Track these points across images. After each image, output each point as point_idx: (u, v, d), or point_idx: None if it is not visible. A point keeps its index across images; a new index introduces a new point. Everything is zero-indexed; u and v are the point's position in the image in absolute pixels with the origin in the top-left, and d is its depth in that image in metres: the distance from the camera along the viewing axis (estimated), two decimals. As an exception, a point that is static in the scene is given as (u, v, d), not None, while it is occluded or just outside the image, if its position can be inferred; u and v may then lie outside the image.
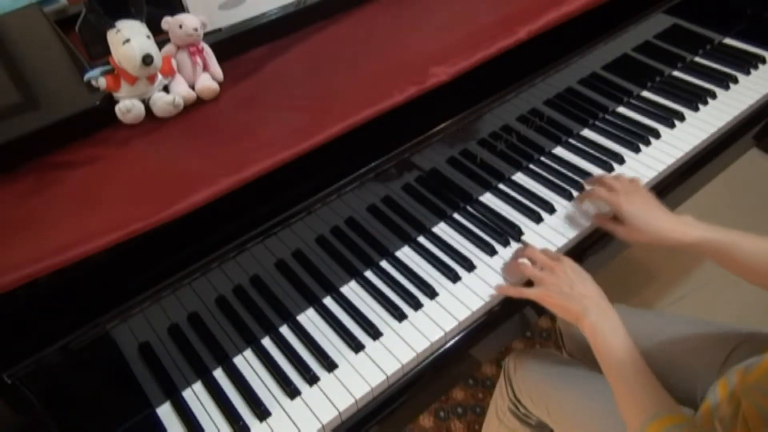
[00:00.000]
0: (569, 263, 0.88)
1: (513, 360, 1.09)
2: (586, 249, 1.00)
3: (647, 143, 1.14)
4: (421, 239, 1.00)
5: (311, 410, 0.80)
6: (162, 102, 0.79)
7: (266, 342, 0.88)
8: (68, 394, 0.74)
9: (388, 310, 0.90)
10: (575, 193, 1.05)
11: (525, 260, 0.92)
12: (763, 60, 1.32)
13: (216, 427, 0.79)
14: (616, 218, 0.93)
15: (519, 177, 1.10)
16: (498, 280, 0.92)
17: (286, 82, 0.86)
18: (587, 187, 1.02)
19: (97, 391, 0.78)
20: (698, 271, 1.77)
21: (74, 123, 0.77)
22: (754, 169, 2.00)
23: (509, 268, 0.94)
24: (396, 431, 1.00)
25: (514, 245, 0.98)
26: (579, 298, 0.83)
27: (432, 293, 0.91)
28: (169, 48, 0.82)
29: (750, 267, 0.80)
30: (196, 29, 0.81)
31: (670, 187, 1.11)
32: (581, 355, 1.13)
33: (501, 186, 1.08)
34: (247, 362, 0.86)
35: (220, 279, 0.80)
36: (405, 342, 0.86)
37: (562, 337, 1.19)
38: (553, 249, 0.96)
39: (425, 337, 0.86)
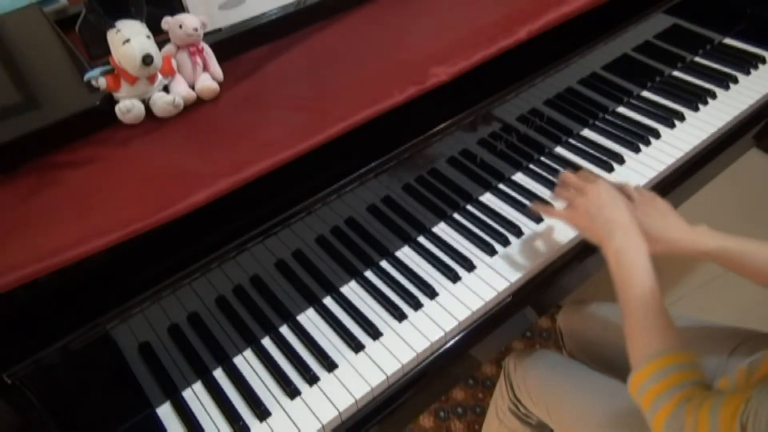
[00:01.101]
0: (604, 186, 0.84)
1: (513, 360, 1.09)
2: (586, 249, 1.00)
3: (647, 143, 1.14)
4: (421, 239, 1.00)
5: (311, 410, 0.80)
6: (162, 102, 0.79)
7: (266, 342, 0.88)
8: (68, 394, 0.74)
9: (388, 310, 0.90)
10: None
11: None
12: (763, 60, 1.32)
13: (216, 427, 0.79)
14: None
15: (519, 177, 1.10)
16: (498, 279, 0.92)
17: (286, 82, 0.87)
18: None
19: (97, 391, 0.78)
20: (698, 271, 1.77)
21: (74, 123, 0.77)
22: (754, 169, 2.00)
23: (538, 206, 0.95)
24: (396, 431, 1.00)
25: (515, 245, 0.98)
26: (606, 222, 0.80)
27: (432, 293, 0.91)
28: (169, 48, 0.82)
29: (764, 274, 0.80)
30: (196, 29, 0.81)
31: (671, 187, 1.11)
32: (581, 355, 1.13)
33: (501, 186, 1.08)
34: (247, 362, 0.86)
35: (220, 279, 0.80)
36: (405, 342, 0.86)
37: (562, 337, 1.19)
38: (553, 249, 0.96)
39: (425, 337, 0.86)
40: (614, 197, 0.83)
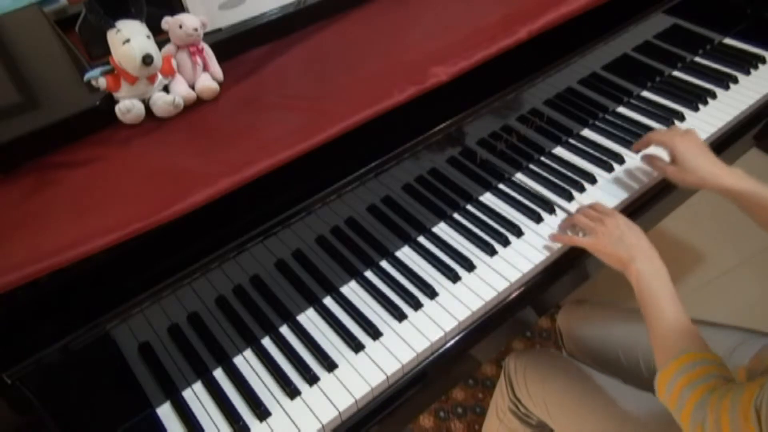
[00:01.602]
0: (621, 217, 0.91)
1: (513, 360, 1.09)
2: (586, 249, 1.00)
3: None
4: (421, 239, 1.00)
5: (311, 410, 0.80)
6: (162, 102, 0.79)
7: (266, 342, 0.88)
8: (68, 394, 0.74)
9: (388, 310, 0.90)
10: (575, 194, 1.05)
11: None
12: (763, 60, 1.32)
13: (216, 427, 0.79)
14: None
15: (519, 177, 1.10)
16: (498, 279, 0.92)
17: (286, 83, 0.87)
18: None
19: (97, 391, 0.78)
20: (698, 271, 1.77)
21: (74, 123, 0.77)
22: (754, 169, 2.00)
23: (562, 225, 0.99)
24: (396, 431, 1.00)
25: (515, 245, 0.98)
26: (628, 248, 0.85)
27: (432, 293, 0.91)
28: (169, 48, 0.82)
29: None
30: (196, 29, 0.81)
31: (671, 186, 1.11)
32: (581, 355, 1.13)
33: (501, 186, 1.08)
34: (247, 362, 0.86)
35: (220, 279, 0.80)
36: (405, 342, 0.86)
37: (561, 337, 1.19)
38: (553, 249, 0.96)
39: (425, 337, 0.86)
40: (632, 227, 0.89)
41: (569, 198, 1.04)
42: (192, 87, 0.83)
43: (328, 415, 0.79)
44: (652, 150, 1.03)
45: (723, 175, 0.88)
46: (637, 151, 1.07)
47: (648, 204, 1.08)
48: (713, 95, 1.24)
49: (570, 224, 0.96)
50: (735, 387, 0.64)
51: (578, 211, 0.96)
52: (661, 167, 0.98)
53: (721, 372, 0.70)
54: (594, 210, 0.94)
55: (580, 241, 0.92)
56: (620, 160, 1.11)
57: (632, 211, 1.05)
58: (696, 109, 1.21)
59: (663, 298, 0.79)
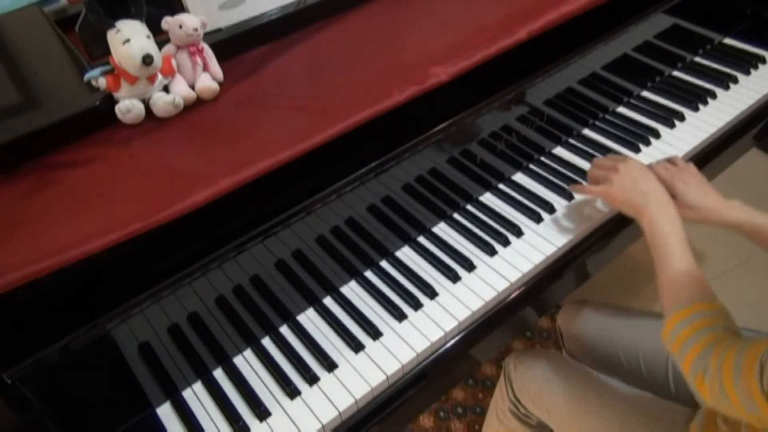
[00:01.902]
0: (634, 163, 0.90)
1: (513, 360, 1.09)
2: (586, 249, 1.00)
3: (647, 143, 1.14)
4: (421, 239, 1.00)
5: (311, 410, 0.80)
6: (162, 102, 0.79)
7: (266, 342, 0.88)
8: (68, 394, 0.74)
9: (388, 310, 0.90)
10: (575, 194, 1.05)
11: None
12: (763, 60, 1.32)
13: (216, 427, 0.79)
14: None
15: (519, 177, 1.10)
16: (498, 279, 0.92)
17: (286, 83, 0.87)
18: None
19: (97, 391, 0.78)
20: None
21: (74, 123, 0.77)
22: (754, 169, 2.00)
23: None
24: (396, 431, 1.00)
25: (515, 245, 0.98)
26: (641, 194, 0.86)
27: (432, 293, 0.91)
28: (169, 48, 0.82)
29: None
30: (196, 29, 0.81)
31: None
32: (581, 355, 1.13)
33: (501, 186, 1.08)
34: (247, 362, 0.86)
35: (220, 279, 0.80)
36: (405, 342, 0.86)
37: (562, 337, 1.19)
38: (552, 249, 0.96)
39: (425, 337, 0.86)
40: (645, 172, 0.89)
41: (569, 198, 1.04)
42: (192, 87, 0.83)
43: (328, 415, 0.79)
44: None
45: (724, 211, 0.88)
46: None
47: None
48: (713, 95, 1.24)
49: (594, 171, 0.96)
50: (741, 341, 0.64)
51: (592, 165, 0.96)
52: None
53: (727, 323, 0.70)
54: (607, 159, 0.94)
55: (594, 190, 0.93)
56: (620, 160, 1.11)
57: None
58: (696, 109, 1.21)
59: (674, 245, 0.79)
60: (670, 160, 0.97)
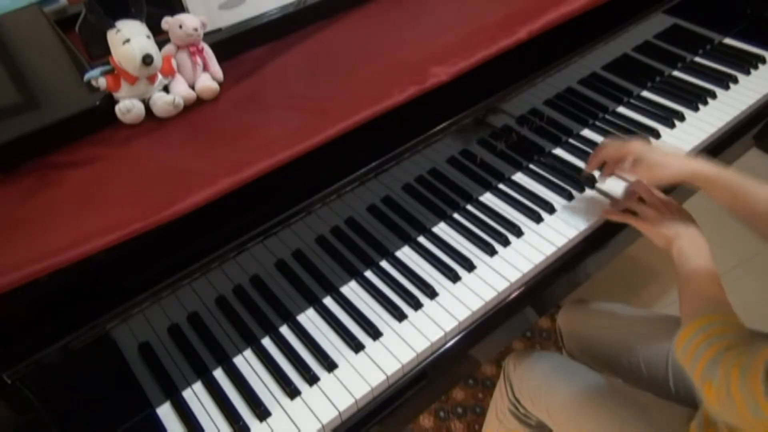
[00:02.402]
0: (672, 202, 0.93)
1: (513, 360, 1.09)
2: (586, 249, 1.00)
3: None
4: (421, 239, 1.00)
5: (311, 410, 0.80)
6: (162, 102, 0.79)
7: (266, 342, 0.88)
8: (68, 394, 0.74)
9: (388, 310, 0.90)
10: (575, 193, 1.05)
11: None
12: (763, 60, 1.32)
13: (216, 427, 0.79)
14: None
15: (519, 177, 1.10)
16: (498, 279, 0.93)
17: (286, 82, 0.87)
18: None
19: (97, 391, 0.78)
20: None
21: (74, 123, 0.77)
22: (754, 169, 2.00)
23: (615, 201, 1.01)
24: (396, 431, 1.00)
25: (515, 245, 0.98)
26: (674, 226, 0.88)
27: (432, 293, 0.91)
28: (169, 48, 0.82)
29: (753, 209, 0.82)
30: (196, 29, 0.81)
31: (671, 186, 1.11)
32: (581, 355, 1.13)
33: (501, 186, 1.08)
34: (247, 362, 0.86)
35: (220, 279, 0.80)
36: (405, 342, 0.86)
37: (562, 337, 1.19)
38: (552, 249, 0.96)
39: (425, 337, 0.86)
40: (682, 211, 0.92)
41: (569, 198, 1.04)
42: (192, 87, 0.83)
43: (328, 415, 0.79)
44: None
45: (689, 161, 0.89)
46: (591, 170, 1.02)
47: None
48: (713, 95, 1.24)
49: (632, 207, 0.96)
50: (753, 348, 0.64)
51: (634, 189, 0.97)
52: (632, 170, 0.94)
53: (741, 332, 0.70)
54: (654, 195, 0.95)
55: (630, 219, 0.94)
56: (620, 160, 1.11)
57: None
58: (696, 109, 1.21)
59: (699, 276, 0.80)
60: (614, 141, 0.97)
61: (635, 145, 0.92)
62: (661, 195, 0.95)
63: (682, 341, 0.73)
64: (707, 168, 0.86)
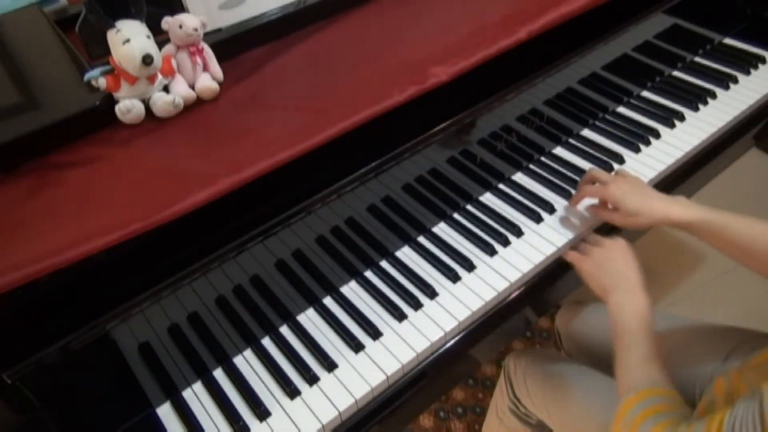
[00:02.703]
0: (623, 243, 0.88)
1: (513, 360, 1.09)
2: (586, 249, 1.00)
3: (647, 143, 1.14)
4: (421, 239, 1.00)
5: (311, 410, 0.80)
6: (162, 102, 0.79)
7: (266, 342, 0.88)
8: (68, 394, 0.74)
9: (388, 310, 0.90)
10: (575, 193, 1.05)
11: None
12: (763, 60, 1.32)
13: (216, 427, 0.79)
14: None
15: (519, 177, 1.10)
16: (498, 279, 0.93)
17: (286, 82, 0.87)
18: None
19: (97, 391, 0.78)
20: (698, 271, 1.77)
21: (74, 123, 0.77)
22: (754, 169, 2.00)
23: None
24: (396, 431, 1.00)
25: (515, 245, 0.98)
26: (614, 274, 0.83)
27: (432, 293, 0.91)
28: (169, 48, 0.82)
29: (744, 249, 0.80)
30: (196, 29, 0.81)
31: (670, 187, 1.11)
32: (581, 355, 1.13)
33: (501, 186, 1.08)
34: (247, 362, 0.86)
35: (220, 279, 0.80)
36: (405, 342, 0.86)
37: (560, 337, 1.19)
38: (552, 249, 0.96)
39: (425, 337, 0.86)
40: (628, 256, 0.86)
41: (569, 198, 1.04)
42: (192, 87, 0.83)
43: (328, 415, 0.79)
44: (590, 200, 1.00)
45: (668, 209, 0.85)
46: (574, 206, 1.01)
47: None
48: (713, 95, 1.24)
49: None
50: (695, 423, 0.61)
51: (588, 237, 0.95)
52: (609, 217, 0.94)
53: (684, 411, 0.68)
54: (599, 236, 0.93)
55: (570, 255, 0.92)
56: (620, 160, 1.11)
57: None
58: (696, 109, 1.21)
59: (636, 335, 0.76)
60: (600, 172, 0.95)
61: (613, 192, 0.89)
62: (616, 239, 0.91)
63: (626, 412, 0.70)
64: (688, 214, 0.83)
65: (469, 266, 0.94)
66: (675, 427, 0.63)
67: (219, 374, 0.85)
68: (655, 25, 1.19)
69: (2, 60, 0.89)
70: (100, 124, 0.79)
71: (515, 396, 1.08)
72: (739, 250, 0.80)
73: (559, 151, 1.15)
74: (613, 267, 0.85)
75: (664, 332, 1.01)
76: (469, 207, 1.04)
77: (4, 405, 0.68)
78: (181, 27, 0.80)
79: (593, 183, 0.96)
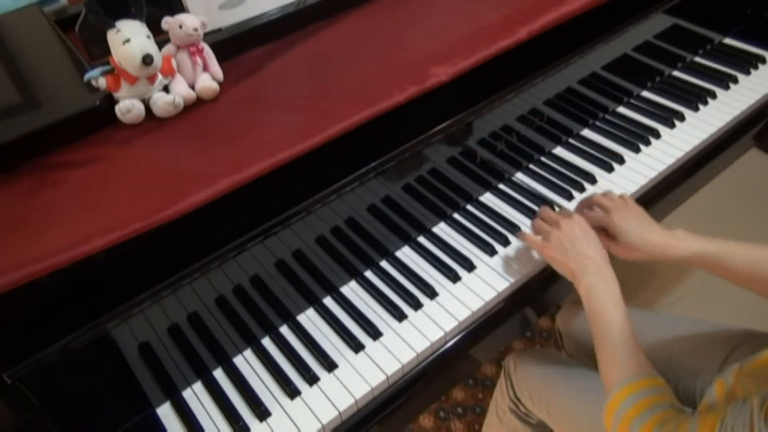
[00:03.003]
0: (579, 221, 0.86)
1: (513, 360, 1.09)
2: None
3: (647, 143, 1.14)
4: (421, 239, 1.00)
5: (311, 410, 0.80)
6: (162, 102, 0.79)
7: (266, 342, 0.88)
8: (68, 394, 0.74)
9: (388, 310, 0.90)
10: (575, 193, 1.05)
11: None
12: (763, 60, 1.32)
13: (216, 427, 0.79)
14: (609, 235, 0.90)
15: (519, 177, 1.10)
16: (498, 279, 0.92)
17: (286, 82, 0.87)
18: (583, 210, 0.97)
19: (97, 391, 0.78)
20: (698, 271, 1.76)
21: (74, 123, 0.77)
22: (754, 169, 2.00)
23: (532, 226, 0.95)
24: (396, 431, 1.00)
25: (514, 245, 0.98)
26: (579, 257, 0.82)
27: (432, 293, 0.91)
28: (169, 48, 0.82)
29: (745, 276, 0.79)
30: (196, 29, 0.81)
31: (671, 187, 1.11)
32: (581, 355, 1.13)
33: (501, 186, 1.08)
34: (247, 362, 0.86)
35: (220, 279, 0.80)
36: (405, 342, 0.86)
37: (561, 337, 1.19)
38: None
39: (425, 337, 0.86)
40: (588, 233, 0.85)
41: (569, 198, 1.04)
42: (192, 87, 0.83)
43: (328, 415, 0.79)
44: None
45: (670, 247, 0.83)
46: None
47: (651, 201, 1.08)
48: (713, 95, 1.24)
49: (538, 224, 0.92)
50: (687, 420, 0.62)
51: (539, 212, 0.93)
52: (606, 246, 0.90)
53: (672, 401, 0.68)
54: (552, 213, 0.90)
55: (534, 242, 0.89)
56: (620, 160, 1.11)
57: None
58: (696, 109, 1.21)
59: (612, 316, 0.76)
60: (606, 198, 0.91)
61: (615, 222, 0.86)
62: (566, 211, 0.90)
63: (616, 407, 0.69)
64: (688, 249, 0.81)
65: (469, 266, 0.94)
66: (663, 424, 0.63)
67: (219, 374, 0.85)
68: (655, 25, 1.19)
69: (2, 60, 0.89)
70: (100, 124, 0.79)
71: (515, 396, 1.08)
72: (738, 278, 0.80)
73: (559, 151, 1.15)
74: (576, 249, 0.83)
75: (664, 333, 1.01)
76: (469, 207, 1.04)
77: (4, 405, 0.68)
78: (181, 27, 0.80)
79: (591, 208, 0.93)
